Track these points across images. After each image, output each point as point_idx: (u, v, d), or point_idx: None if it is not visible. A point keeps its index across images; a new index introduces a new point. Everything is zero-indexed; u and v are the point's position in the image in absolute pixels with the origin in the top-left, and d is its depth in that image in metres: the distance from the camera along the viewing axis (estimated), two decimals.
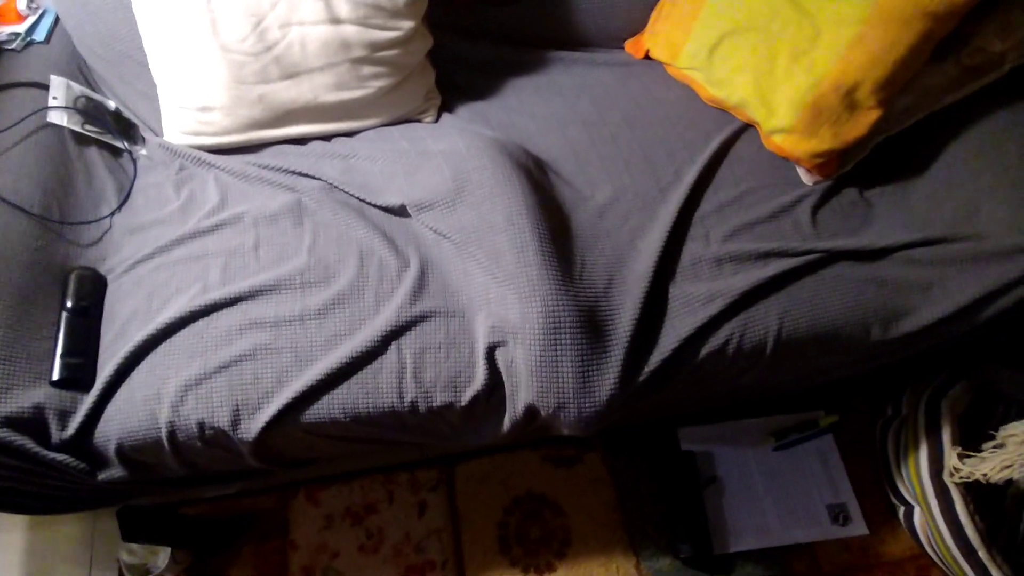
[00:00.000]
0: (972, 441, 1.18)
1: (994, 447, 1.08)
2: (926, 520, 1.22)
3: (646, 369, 0.96)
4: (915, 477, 1.22)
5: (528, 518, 1.32)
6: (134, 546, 1.19)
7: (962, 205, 1.06)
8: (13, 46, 1.16)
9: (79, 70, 1.20)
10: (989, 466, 1.05)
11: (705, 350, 0.99)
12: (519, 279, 0.94)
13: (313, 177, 1.11)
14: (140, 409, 0.91)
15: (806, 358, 1.05)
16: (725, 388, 1.11)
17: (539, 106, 1.21)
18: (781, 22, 1.03)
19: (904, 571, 1.27)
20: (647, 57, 1.28)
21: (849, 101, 0.98)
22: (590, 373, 0.93)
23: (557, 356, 0.92)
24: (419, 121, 1.21)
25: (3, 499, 0.98)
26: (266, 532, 1.31)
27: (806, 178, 1.10)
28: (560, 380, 0.92)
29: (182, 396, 0.91)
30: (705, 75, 1.15)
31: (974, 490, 1.14)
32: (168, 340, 0.94)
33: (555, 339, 0.92)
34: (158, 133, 1.18)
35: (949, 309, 1.00)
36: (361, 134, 1.18)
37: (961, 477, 1.14)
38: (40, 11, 1.22)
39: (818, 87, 0.99)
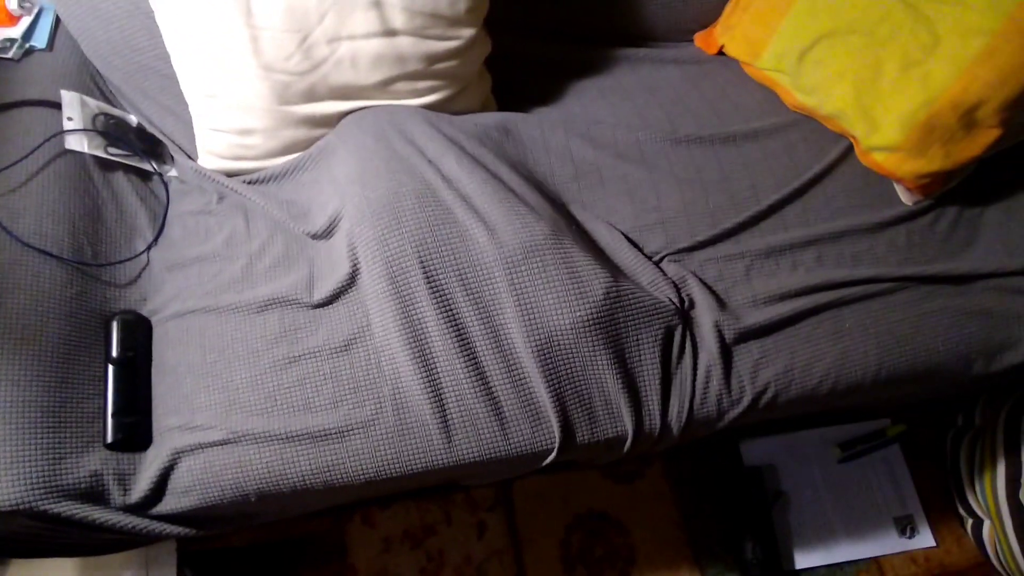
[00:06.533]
0: None
1: None
2: (996, 534, 1.21)
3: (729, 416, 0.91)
4: (990, 493, 1.19)
5: (591, 536, 1.30)
6: None
7: None
8: (9, 55, 1.01)
9: (92, 80, 1.07)
10: None
11: (795, 390, 0.93)
12: None
13: None
14: (221, 477, 0.84)
15: (900, 391, 1.00)
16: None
17: (604, 111, 1.10)
18: (891, 26, 0.92)
19: None
20: (720, 53, 1.16)
21: (968, 120, 0.88)
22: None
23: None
24: None
25: (56, 551, 0.93)
26: (323, 556, 1.28)
27: (905, 197, 1.02)
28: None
29: (268, 464, 0.84)
30: (792, 80, 1.04)
31: None
32: (238, 402, 0.86)
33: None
34: (189, 152, 1.07)
35: None
36: None
37: None
38: (36, 10, 1.06)
39: (933, 104, 0.89)
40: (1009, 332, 0.96)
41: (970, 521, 1.26)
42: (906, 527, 1.28)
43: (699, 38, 1.19)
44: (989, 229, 1.02)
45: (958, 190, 1.01)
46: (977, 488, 1.22)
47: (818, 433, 1.34)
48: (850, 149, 1.04)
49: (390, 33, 0.91)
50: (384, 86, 0.95)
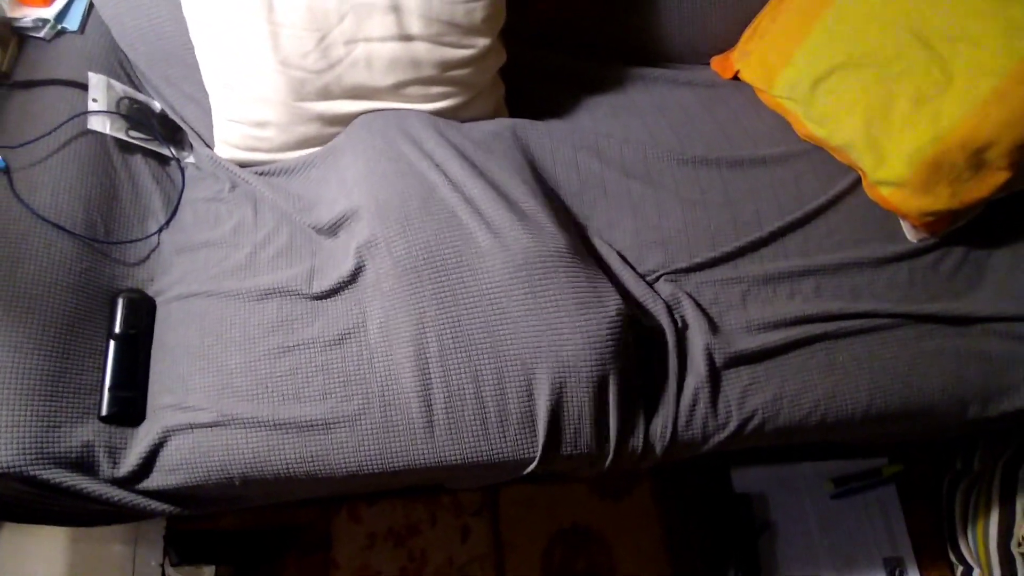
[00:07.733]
0: None
1: None
2: None
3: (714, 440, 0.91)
4: (981, 541, 1.17)
5: (574, 549, 1.29)
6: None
7: None
8: (41, 34, 1.05)
9: (120, 65, 1.11)
10: None
11: (783, 419, 0.93)
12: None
13: None
14: (208, 458, 0.86)
15: (891, 428, 0.98)
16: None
17: (615, 128, 1.11)
18: (905, 62, 0.91)
19: None
20: (735, 78, 1.16)
21: (977, 160, 0.88)
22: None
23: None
24: None
25: (45, 518, 0.96)
26: (308, 545, 1.30)
27: (910, 234, 1.01)
28: None
29: (254, 449, 0.86)
30: (804, 109, 1.04)
31: None
32: (231, 387, 0.88)
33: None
34: (206, 140, 1.10)
35: None
36: None
37: None
38: None
39: (942, 141, 0.88)
40: (1008, 377, 0.94)
41: (960, 568, 1.23)
42: (895, 569, 1.25)
43: (716, 62, 1.19)
44: (995, 272, 1.01)
45: (965, 231, 1.00)
46: (969, 535, 1.20)
47: (812, 466, 1.32)
48: (858, 182, 1.03)
49: (406, 38, 0.93)
50: (397, 89, 0.97)
